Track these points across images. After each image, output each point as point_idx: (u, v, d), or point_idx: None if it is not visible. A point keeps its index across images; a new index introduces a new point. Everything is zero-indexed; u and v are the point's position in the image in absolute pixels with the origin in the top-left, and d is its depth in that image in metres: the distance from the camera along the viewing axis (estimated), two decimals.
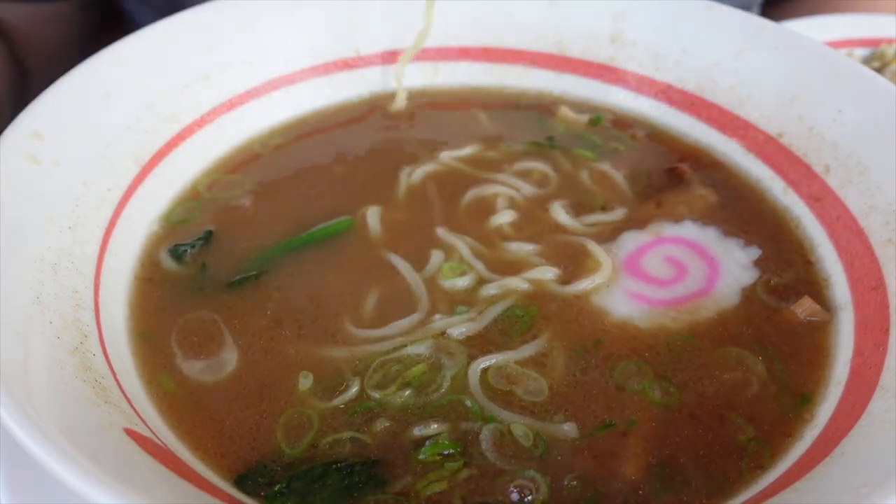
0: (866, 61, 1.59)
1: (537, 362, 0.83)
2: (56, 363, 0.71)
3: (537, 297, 0.90)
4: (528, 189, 1.05)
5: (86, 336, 0.78)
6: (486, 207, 1.03)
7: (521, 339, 0.86)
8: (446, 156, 1.10)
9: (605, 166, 1.10)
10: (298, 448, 0.76)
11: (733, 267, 0.95)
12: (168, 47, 1.05)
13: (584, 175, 1.09)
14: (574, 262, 0.95)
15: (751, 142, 1.08)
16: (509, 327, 0.87)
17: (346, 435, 0.77)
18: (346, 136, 1.16)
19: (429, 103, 1.22)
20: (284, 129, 1.16)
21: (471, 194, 1.04)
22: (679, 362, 0.84)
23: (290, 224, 0.99)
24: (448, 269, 0.92)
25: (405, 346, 0.84)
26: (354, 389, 0.80)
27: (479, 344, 0.85)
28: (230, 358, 0.84)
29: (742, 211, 1.03)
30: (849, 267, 0.92)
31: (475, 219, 1.01)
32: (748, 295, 0.92)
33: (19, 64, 1.39)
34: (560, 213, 1.01)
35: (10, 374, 0.63)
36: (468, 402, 0.79)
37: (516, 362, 0.83)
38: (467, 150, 1.12)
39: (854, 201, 0.94)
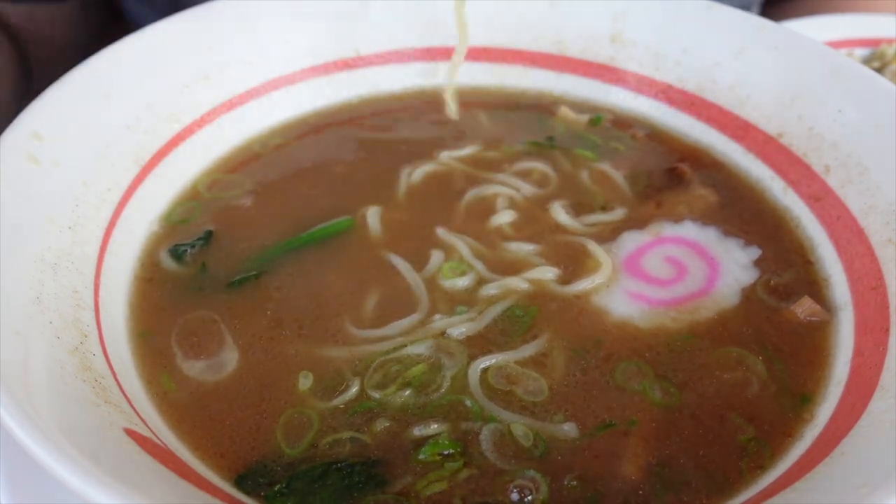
0: (866, 61, 1.59)
1: (537, 362, 0.83)
2: (56, 363, 0.71)
3: (537, 297, 0.90)
4: (528, 189, 1.05)
5: (86, 336, 0.78)
6: (486, 207, 1.03)
7: (522, 339, 0.86)
8: (446, 156, 1.10)
9: (605, 166, 1.10)
10: (298, 448, 0.76)
11: (733, 267, 0.95)
12: (168, 47, 1.05)
13: (584, 175, 1.09)
14: (574, 262, 0.95)
15: (751, 142, 1.08)
16: (509, 327, 0.87)
17: (346, 435, 0.77)
18: (346, 136, 1.16)
19: (428, 103, 1.22)
20: (284, 129, 1.16)
21: (471, 194, 1.04)
22: (679, 362, 0.84)
23: (290, 224, 0.99)
24: (448, 269, 0.92)
25: (405, 346, 0.84)
26: (354, 389, 0.80)
27: (479, 344, 0.85)
28: (230, 358, 0.84)
29: (742, 211, 1.03)
30: (849, 267, 0.92)
31: (475, 219, 1.01)
32: (748, 295, 0.92)
33: (26, 63, 1.40)
34: (560, 213, 1.01)
35: (10, 374, 0.63)
36: (468, 402, 0.79)
37: (516, 362, 0.83)
38: (467, 150, 1.12)
39: (854, 201, 0.94)
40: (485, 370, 0.82)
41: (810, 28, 1.53)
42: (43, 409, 0.63)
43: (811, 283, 0.94)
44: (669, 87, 1.16)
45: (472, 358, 0.83)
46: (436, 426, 0.77)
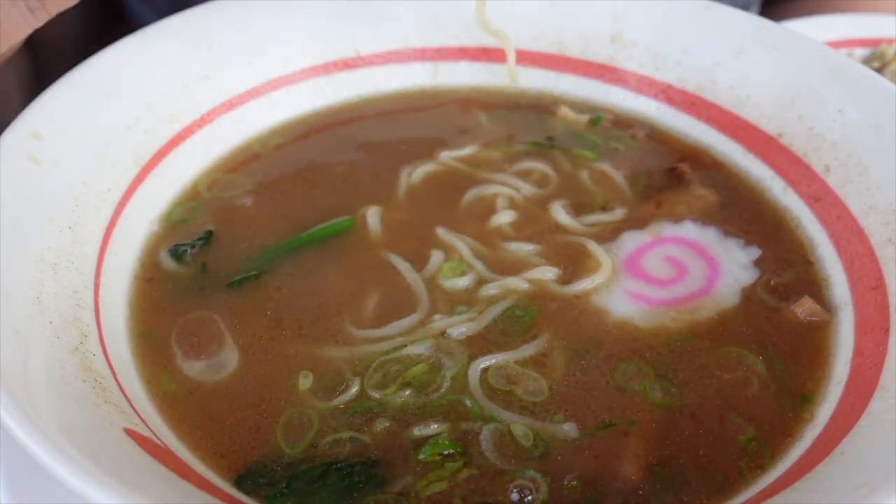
0: (866, 61, 1.59)
1: (537, 362, 0.83)
2: (56, 363, 0.71)
3: (537, 297, 0.90)
4: (528, 189, 1.05)
5: (86, 336, 0.78)
6: (486, 207, 1.03)
7: (522, 339, 0.86)
8: (446, 156, 1.10)
9: (605, 166, 1.10)
10: (298, 448, 0.76)
11: (733, 267, 0.95)
12: (168, 47, 1.05)
13: (584, 175, 1.09)
14: (574, 262, 0.95)
15: (751, 142, 1.08)
16: (509, 327, 0.87)
17: (346, 435, 0.77)
18: (346, 136, 1.16)
19: (429, 103, 1.22)
20: (284, 129, 1.15)
21: (471, 194, 1.04)
22: (680, 362, 0.84)
23: (290, 224, 0.99)
24: (448, 269, 0.92)
25: (405, 346, 0.84)
26: (354, 389, 0.80)
27: (479, 344, 0.85)
28: (230, 358, 0.84)
29: (742, 211, 1.03)
30: (849, 267, 0.92)
31: (475, 219, 1.01)
32: (748, 295, 0.92)
33: (38, 63, 1.40)
34: (560, 213, 1.01)
35: (10, 374, 0.63)
36: (468, 402, 0.79)
37: (516, 362, 0.83)
38: (467, 150, 1.12)
39: (854, 201, 0.94)
40: (485, 370, 0.82)
41: (810, 28, 1.53)
42: (43, 409, 0.63)
43: (811, 283, 0.94)
44: (669, 87, 1.16)
45: (472, 358, 0.83)
46: (436, 426, 0.77)
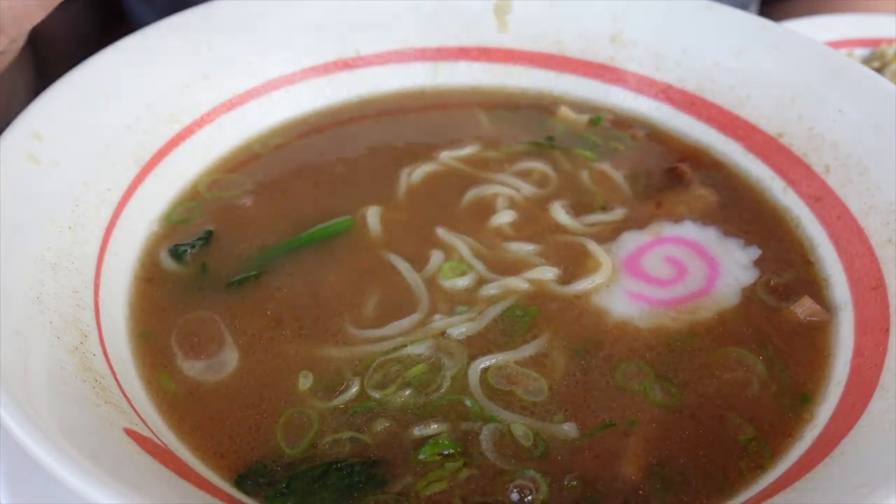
0: (866, 61, 1.59)
1: (537, 362, 0.83)
2: (56, 363, 0.71)
3: (537, 297, 0.90)
4: (528, 189, 1.05)
5: (86, 336, 0.78)
6: (486, 207, 1.03)
7: (522, 339, 0.86)
8: (446, 156, 1.10)
9: (605, 166, 1.10)
10: (298, 448, 0.76)
11: (733, 267, 0.95)
12: (168, 47, 1.05)
13: (584, 175, 1.09)
14: (574, 262, 0.95)
15: (751, 142, 1.08)
16: (509, 327, 0.87)
17: (346, 435, 0.77)
18: (346, 136, 1.16)
19: (429, 103, 1.22)
20: (284, 129, 1.15)
21: (471, 194, 1.04)
22: (680, 362, 0.84)
23: (290, 224, 0.99)
24: (448, 269, 0.92)
25: (405, 346, 0.84)
26: (354, 389, 0.80)
27: (479, 344, 0.85)
28: (230, 358, 0.84)
29: (742, 211, 1.03)
30: (849, 267, 0.92)
31: (475, 219, 1.01)
32: (748, 295, 0.91)
33: (39, 63, 1.41)
34: (560, 213, 1.01)
35: (10, 374, 0.63)
36: (468, 402, 0.79)
37: (516, 362, 0.83)
38: (467, 150, 1.12)
39: (854, 201, 0.94)
40: (485, 370, 0.82)
41: (810, 28, 1.53)
42: (43, 409, 0.63)
43: (811, 283, 0.94)
44: (669, 87, 1.16)
45: (472, 358, 0.83)
46: (436, 426, 0.77)
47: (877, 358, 0.80)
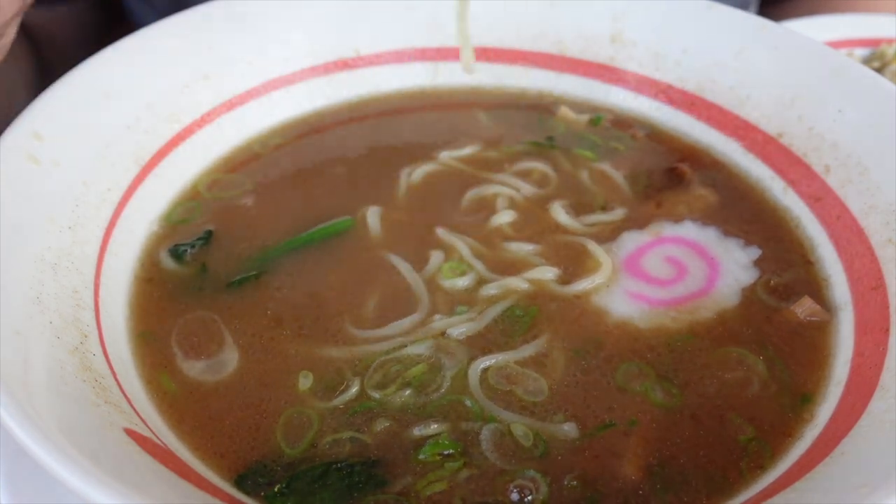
0: (866, 61, 1.59)
1: (537, 362, 0.83)
2: (56, 363, 0.71)
3: (537, 297, 0.90)
4: (528, 189, 1.05)
5: (86, 336, 0.78)
6: (486, 207, 1.03)
7: (522, 339, 0.86)
8: (446, 156, 1.10)
9: (605, 166, 1.10)
10: (298, 448, 0.76)
11: (733, 267, 0.95)
12: (168, 47, 1.05)
13: (584, 175, 1.09)
14: (574, 262, 0.95)
15: (751, 142, 1.08)
16: (509, 327, 0.87)
17: (346, 435, 0.77)
18: (346, 136, 1.16)
19: (429, 103, 1.22)
20: (284, 129, 1.15)
21: (471, 194, 1.04)
22: (680, 362, 0.84)
23: (290, 224, 0.99)
24: (448, 269, 0.92)
25: (405, 346, 0.84)
26: (354, 389, 0.80)
27: (479, 344, 0.85)
28: (230, 358, 0.84)
29: (742, 211, 1.03)
30: (849, 267, 0.92)
31: (475, 219, 1.01)
32: (748, 295, 0.91)
33: (40, 62, 1.41)
34: (560, 213, 1.01)
35: (10, 374, 0.63)
36: (468, 402, 0.79)
37: (516, 362, 0.83)
38: (467, 150, 1.12)
39: (854, 201, 0.94)
40: (485, 370, 0.82)
41: (810, 28, 1.53)
42: (43, 409, 0.63)
43: (811, 283, 0.94)
44: (669, 87, 1.16)
45: (473, 358, 0.83)
46: (436, 426, 0.77)
47: (877, 358, 0.80)
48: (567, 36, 1.21)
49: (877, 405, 0.74)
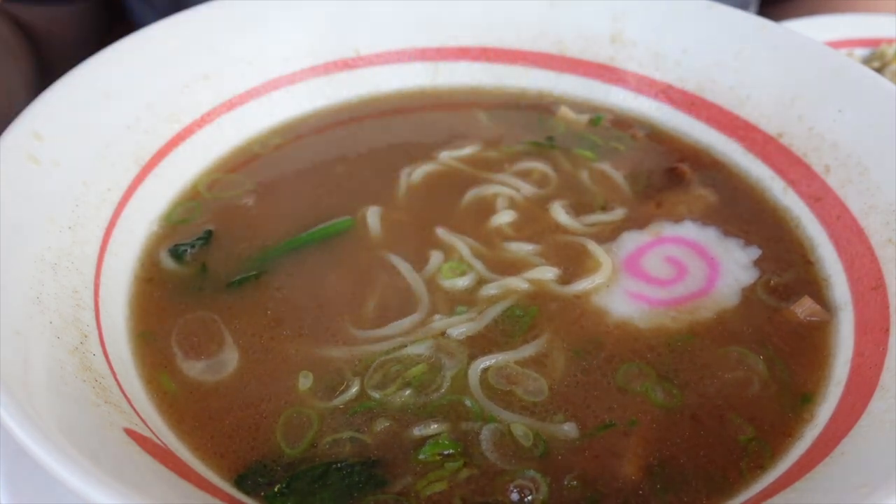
0: (866, 61, 1.59)
1: (537, 362, 0.83)
2: (56, 363, 0.71)
3: (537, 297, 0.90)
4: (528, 189, 1.05)
5: (86, 336, 0.78)
6: (486, 207, 1.03)
7: (522, 339, 0.86)
8: (446, 156, 1.10)
9: (605, 166, 1.10)
10: (298, 448, 0.76)
11: (733, 267, 0.95)
12: (168, 47, 1.05)
13: (584, 175, 1.09)
14: (574, 262, 0.95)
15: (751, 142, 1.08)
16: (509, 327, 0.87)
17: (346, 435, 0.77)
18: (346, 136, 1.16)
19: (429, 103, 1.22)
20: (284, 129, 1.16)
21: (471, 194, 1.04)
22: (681, 362, 0.84)
23: (290, 224, 0.99)
24: (448, 269, 0.92)
25: (405, 346, 0.84)
26: (354, 389, 0.80)
27: (479, 344, 0.85)
28: (230, 358, 0.84)
29: (742, 211, 1.03)
30: (849, 267, 0.92)
31: (475, 219, 1.01)
32: (748, 295, 0.91)
33: (41, 62, 1.41)
34: (560, 213, 1.01)
35: (10, 374, 0.63)
36: (468, 402, 0.79)
37: (516, 362, 0.83)
38: (467, 150, 1.12)
39: (854, 201, 0.94)
40: (485, 370, 0.82)
41: (810, 28, 1.53)
42: (43, 409, 0.63)
43: (811, 283, 0.94)
44: (669, 87, 1.16)
45: (473, 358, 0.83)
46: (436, 426, 0.77)
47: (877, 358, 0.80)
48: (567, 36, 1.21)
49: (877, 405, 0.74)
